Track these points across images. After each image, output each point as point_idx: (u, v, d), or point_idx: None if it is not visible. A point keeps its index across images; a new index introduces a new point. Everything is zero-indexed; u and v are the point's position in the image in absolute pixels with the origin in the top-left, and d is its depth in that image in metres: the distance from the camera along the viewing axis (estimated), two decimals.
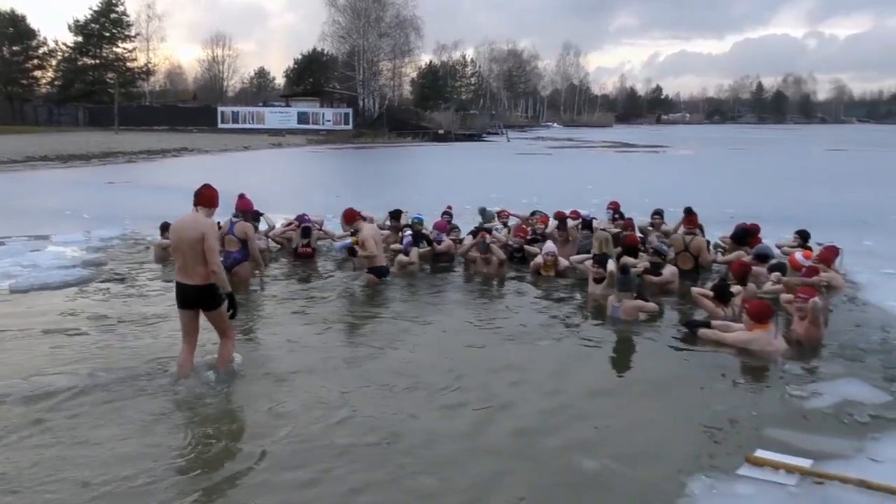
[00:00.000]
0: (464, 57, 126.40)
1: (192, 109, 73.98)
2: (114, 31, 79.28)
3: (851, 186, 26.22)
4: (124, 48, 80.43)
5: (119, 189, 24.35)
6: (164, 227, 12.13)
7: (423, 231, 12.09)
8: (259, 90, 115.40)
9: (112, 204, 19.34)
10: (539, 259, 10.77)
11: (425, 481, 4.70)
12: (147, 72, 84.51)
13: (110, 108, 64.11)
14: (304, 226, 12.02)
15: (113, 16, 78.66)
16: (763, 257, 10.03)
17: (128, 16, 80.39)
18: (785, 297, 8.52)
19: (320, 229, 12.54)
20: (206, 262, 6.16)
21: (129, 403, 5.82)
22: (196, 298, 6.29)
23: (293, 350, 7.30)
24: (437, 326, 8.26)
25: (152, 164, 37.31)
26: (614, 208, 12.89)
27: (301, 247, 11.95)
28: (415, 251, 11.01)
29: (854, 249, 11.64)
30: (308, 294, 9.72)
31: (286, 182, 27.71)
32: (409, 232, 11.93)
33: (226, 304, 6.30)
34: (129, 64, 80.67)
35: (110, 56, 79.32)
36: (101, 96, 74.09)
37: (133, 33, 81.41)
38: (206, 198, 6.43)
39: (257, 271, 9.71)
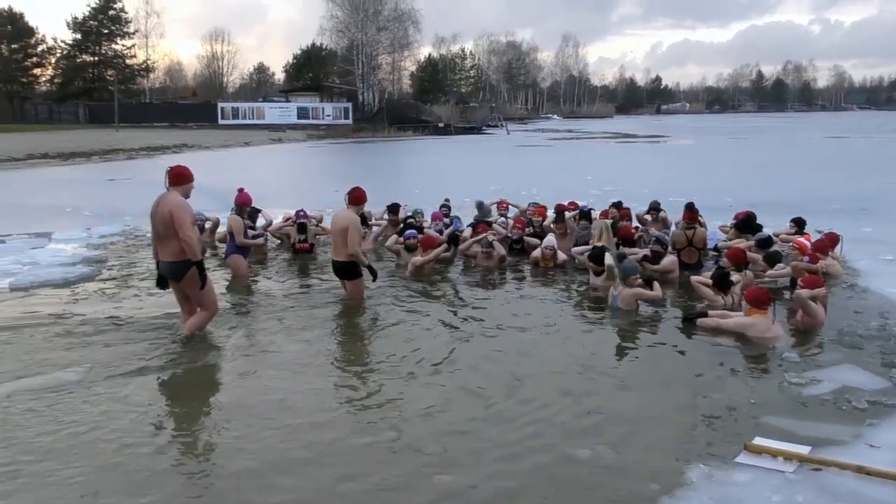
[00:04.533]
0: (463, 50, 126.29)
1: (192, 106, 73.94)
2: (112, 27, 79.35)
3: (851, 173, 26.18)
4: (123, 45, 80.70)
5: (120, 186, 24.38)
6: None
7: (424, 224, 12.14)
8: (258, 86, 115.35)
9: (113, 201, 19.36)
10: (537, 252, 10.75)
11: (435, 475, 4.71)
12: (146, 69, 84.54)
13: (110, 105, 64.12)
14: (299, 222, 11.99)
15: (111, 13, 78.73)
16: (764, 243, 9.99)
17: (126, 12, 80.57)
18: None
19: (318, 225, 12.53)
20: (346, 245, 8.57)
21: (132, 396, 5.86)
22: (341, 270, 8.88)
23: (289, 342, 7.33)
24: (436, 319, 8.25)
25: (152, 161, 37.26)
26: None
27: (298, 242, 11.96)
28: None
29: (853, 236, 11.64)
30: (304, 288, 9.78)
31: (286, 177, 27.75)
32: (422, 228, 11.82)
33: (363, 276, 8.86)
34: (128, 61, 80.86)
35: (109, 53, 79.48)
36: (101, 93, 74.24)
37: (132, 30, 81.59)
38: (354, 198, 8.84)
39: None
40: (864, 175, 25.27)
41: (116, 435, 5.21)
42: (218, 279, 10.14)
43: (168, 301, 8.88)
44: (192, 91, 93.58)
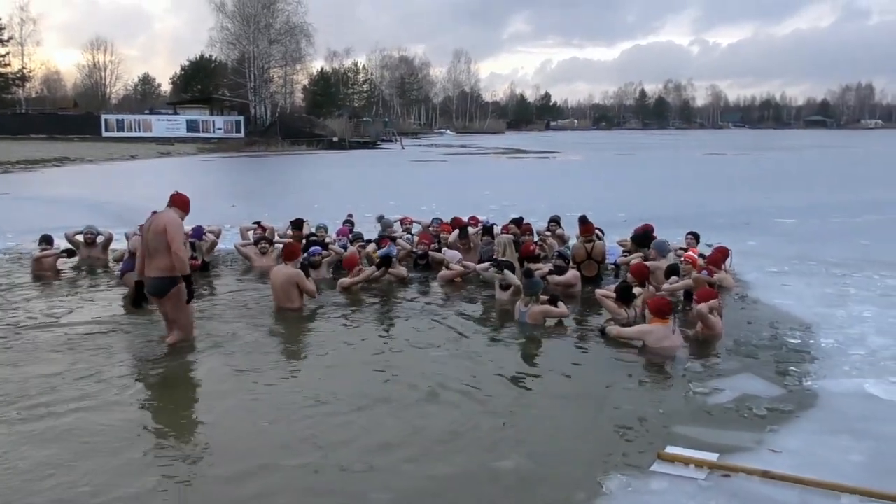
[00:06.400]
0: (355, 64, 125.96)
1: (74, 117, 70.87)
2: None
3: (732, 189, 27.54)
4: None
5: None
6: (44, 240, 11.71)
7: (327, 239, 12.02)
8: (144, 97, 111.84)
9: None
10: (449, 273, 10.73)
11: (356, 486, 4.68)
12: (22, 78, 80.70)
13: None
14: (189, 241, 11.77)
15: None
16: (661, 250, 10.35)
17: None
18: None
19: (215, 240, 12.28)
20: (300, 298, 9.08)
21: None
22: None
23: (198, 361, 7.12)
24: (341, 337, 8.16)
25: (32, 175, 35.54)
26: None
27: (190, 259, 11.66)
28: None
29: (740, 250, 12.21)
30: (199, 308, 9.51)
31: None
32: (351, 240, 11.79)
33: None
34: (2, 69, 76.76)
35: None
36: None
37: (6, 37, 77.58)
38: (290, 252, 9.27)
39: None
40: (745, 191, 26.67)
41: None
42: (116, 297, 9.78)
43: (65, 322, 8.51)
44: (72, 102, 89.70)
